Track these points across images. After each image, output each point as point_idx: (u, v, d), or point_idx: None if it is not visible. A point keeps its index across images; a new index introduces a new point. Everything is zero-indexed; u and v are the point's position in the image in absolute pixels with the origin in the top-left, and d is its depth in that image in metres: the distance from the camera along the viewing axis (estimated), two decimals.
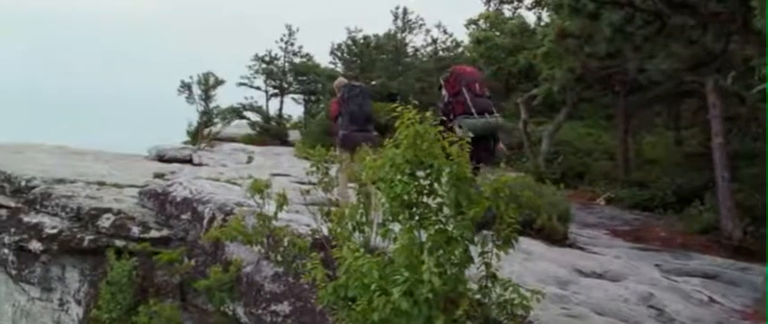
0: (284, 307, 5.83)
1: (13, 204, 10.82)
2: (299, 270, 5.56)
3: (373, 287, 3.37)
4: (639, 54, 11.21)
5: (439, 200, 3.71)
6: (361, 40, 31.96)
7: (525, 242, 6.70)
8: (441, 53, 29.82)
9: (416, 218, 3.64)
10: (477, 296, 3.75)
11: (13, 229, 10.07)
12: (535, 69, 18.93)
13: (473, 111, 6.48)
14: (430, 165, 3.61)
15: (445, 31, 30.18)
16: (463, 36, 28.43)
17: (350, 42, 32.04)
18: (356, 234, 4.46)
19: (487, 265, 3.79)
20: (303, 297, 5.69)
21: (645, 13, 9.93)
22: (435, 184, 3.69)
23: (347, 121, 8.33)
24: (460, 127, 6.09)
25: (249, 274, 6.34)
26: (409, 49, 31.82)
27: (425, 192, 3.70)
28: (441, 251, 3.46)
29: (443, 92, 7.68)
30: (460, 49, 29.43)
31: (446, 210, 3.68)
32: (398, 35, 31.49)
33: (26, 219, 10.00)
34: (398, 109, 3.74)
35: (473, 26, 25.52)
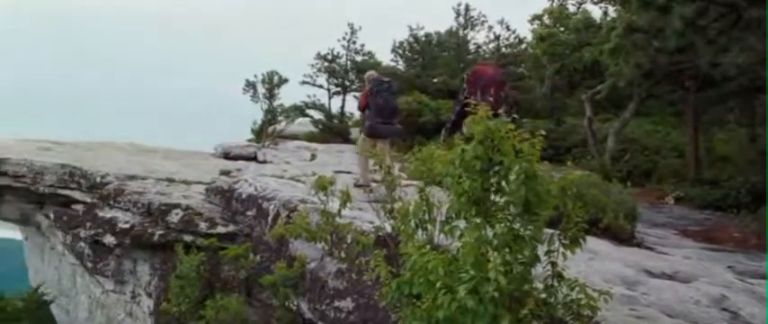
0: (347, 303, 5.87)
1: (88, 199, 11.28)
2: (363, 267, 5.59)
3: (438, 284, 3.35)
4: (712, 48, 10.79)
5: (506, 198, 3.67)
6: (423, 38, 31.90)
7: (591, 241, 6.54)
8: (503, 50, 29.47)
9: (483, 215, 3.61)
10: (543, 295, 3.69)
11: (88, 224, 10.49)
12: (600, 65, 18.53)
13: None
14: (499, 162, 3.58)
15: (508, 28, 29.85)
16: (526, 32, 28.03)
17: (411, 40, 32.03)
18: (419, 231, 4.44)
19: (553, 264, 3.72)
20: (366, 294, 5.72)
21: (719, 5, 9.59)
22: (503, 182, 3.65)
23: (374, 114, 9.04)
24: (468, 125, 6.22)
25: (313, 271, 6.42)
26: (471, 46, 31.54)
27: (493, 189, 3.67)
28: (507, 249, 3.42)
29: (464, 86, 7.85)
30: (523, 46, 29.04)
31: (513, 207, 3.64)
32: (460, 32, 31.24)
33: (101, 214, 10.39)
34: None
35: (536, 22, 25.12)
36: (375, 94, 9.09)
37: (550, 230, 3.83)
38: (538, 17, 25.11)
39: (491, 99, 7.14)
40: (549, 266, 3.72)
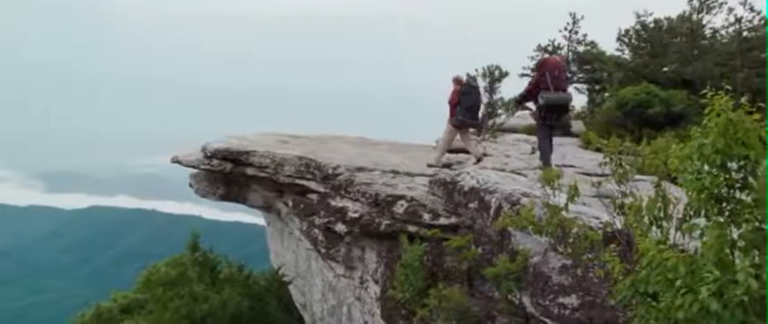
0: (572, 300, 5.74)
1: (322, 189, 12.09)
2: (589, 263, 5.44)
3: (678, 283, 3.17)
4: None
5: (754, 195, 3.37)
6: (652, 25, 29.92)
7: None
8: (745, 34, 26.61)
9: (727, 213, 3.35)
10: None
11: (322, 212, 11.28)
12: None
13: (551, 87, 9.27)
14: (744, 156, 3.30)
15: (752, 9, 26.84)
16: None
17: (639, 27, 30.19)
18: (653, 229, 4.23)
19: None
20: (593, 291, 5.55)
21: None
22: (750, 178, 3.36)
23: (465, 110, 11.70)
24: (542, 98, 9.32)
25: (536, 265, 6.36)
26: (707, 31, 28.91)
27: (738, 185, 3.39)
28: (756, 251, 3.15)
29: (534, 72, 10.05)
30: None
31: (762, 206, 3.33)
32: (694, 16, 28.78)
33: (333, 203, 11.10)
34: (708, 96, 3.48)
35: None
36: (467, 95, 11.66)
37: None
38: None
39: (558, 78, 9.35)
40: None
